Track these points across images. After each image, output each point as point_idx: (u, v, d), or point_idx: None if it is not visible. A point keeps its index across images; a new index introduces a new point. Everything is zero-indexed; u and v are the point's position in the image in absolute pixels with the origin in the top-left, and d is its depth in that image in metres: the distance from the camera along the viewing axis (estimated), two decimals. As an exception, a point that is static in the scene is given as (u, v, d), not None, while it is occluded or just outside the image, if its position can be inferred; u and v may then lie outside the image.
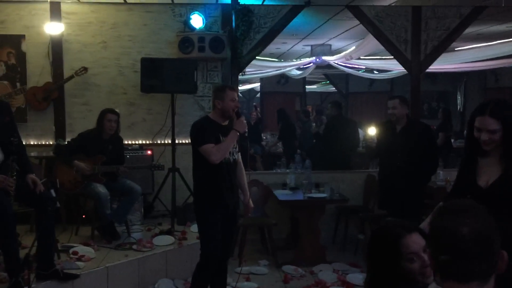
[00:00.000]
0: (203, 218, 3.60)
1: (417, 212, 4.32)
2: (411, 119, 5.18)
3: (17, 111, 5.59)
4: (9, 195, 3.41)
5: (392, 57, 6.58)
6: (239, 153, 3.79)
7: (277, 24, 5.97)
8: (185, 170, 5.32)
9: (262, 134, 10.59)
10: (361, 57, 9.51)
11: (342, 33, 8.43)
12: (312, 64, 10.37)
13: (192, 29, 5.73)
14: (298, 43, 9.58)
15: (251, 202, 3.87)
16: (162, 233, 4.95)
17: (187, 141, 5.27)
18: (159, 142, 5.89)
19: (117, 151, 4.96)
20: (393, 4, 6.14)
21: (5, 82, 5.70)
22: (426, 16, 6.06)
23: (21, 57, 5.75)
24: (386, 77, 11.72)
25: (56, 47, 5.80)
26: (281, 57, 11.55)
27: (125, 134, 5.40)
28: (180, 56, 5.70)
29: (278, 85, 14.02)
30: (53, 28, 5.57)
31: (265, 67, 10.62)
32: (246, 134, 3.70)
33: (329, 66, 10.65)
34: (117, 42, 5.91)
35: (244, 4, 5.81)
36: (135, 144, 5.90)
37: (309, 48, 10.09)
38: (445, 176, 5.59)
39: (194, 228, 4.84)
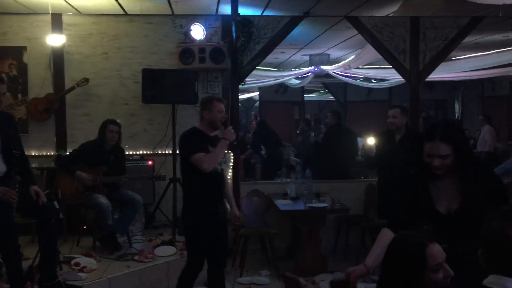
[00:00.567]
0: (194, 227, 3.61)
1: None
2: (410, 129, 5.23)
3: (19, 122, 5.55)
4: (12, 207, 3.42)
5: (391, 66, 6.64)
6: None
7: (276, 34, 6.01)
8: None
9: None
10: (359, 67, 9.58)
11: (340, 42, 8.51)
12: (310, 73, 10.45)
13: (193, 40, 5.77)
14: (296, 52, 9.65)
15: (237, 211, 3.92)
16: (163, 243, 4.95)
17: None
18: (160, 152, 5.91)
19: (118, 162, 4.98)
20: (391, 15, 6.20)
21: (7, 93, 5.68)
22: (424, 26, 6.11)
23: (23, 68, 5.79)
24: (384, 86, 11.79)
25: (58, 59, 5.84)
26: (279, 66, 11.62)
27: (126, 145, 5.42)
28: (180, 67, 5.74)
29: (276, 94, 14.08)
30: (55, 40, 5.61)
31: (264, 77, 10.68)
32: (235, 143, 3.74)
33: (327, 75, 10.73)
34: (118, 53, 5.96)
35: (244, 15, 5.86)
36: (136, 154, 5.91)
37: (307, 57, 10.17)
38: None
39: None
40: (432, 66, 6.19)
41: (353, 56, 9.07)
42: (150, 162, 5.74)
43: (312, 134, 8.81)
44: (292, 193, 5.66)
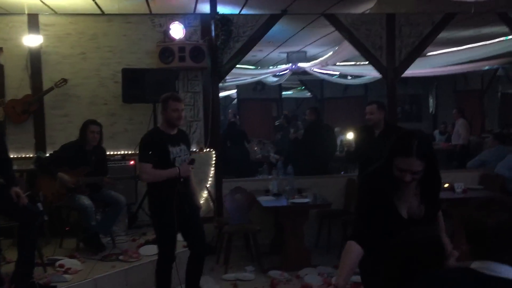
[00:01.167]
0: (159, 222, 3.81)
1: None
2: (389, 124, 5.33)
3: (-4, 124, 5.52)
4: None
5: (367, 62, 6.75)
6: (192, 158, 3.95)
7: (256, 32, 6.07)
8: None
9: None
10: (336, 63, 9.70)
11: (317, 40, 8.60)
12: (288, 70, 10.52)
13: (172, 39, 5.77)
14: (274, 50, 9.71)
15: (200, 203, 4.19)
16: (147, 243, 4.95)
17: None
18: (141, 152, 5.88)
19: (100, 162, 4.96)
20: (367, 12, 6.31)
21: (-17, 95, 5.63)
22: (400, 23, 6.25)
23: (-1, 69, 5.70)
24: (360, 83, 11.95)
25: (35, 59, 5.76)
26: (257, 64, 11.66)
27: (107, 145, 5.36)
28: (160, 66, 5.73)
29: (254, 91, 14.12)
30: (32, 40, 5.54)
31: (243, 75, 10.70)
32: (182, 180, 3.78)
33: (304, 72, 10.82)
34: (97, 53, 5.91)
35: (223, 13, 5.89)
36: (117, 154, 5.88)
37: (284, 55, 10.23)
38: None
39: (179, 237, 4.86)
40: (407, 62, 6.34)
41: (330, 53, 9.17)
42: (131, 162, 5.72)
43: (292, 130, 8.89)
44: (274, 190, 5.72)
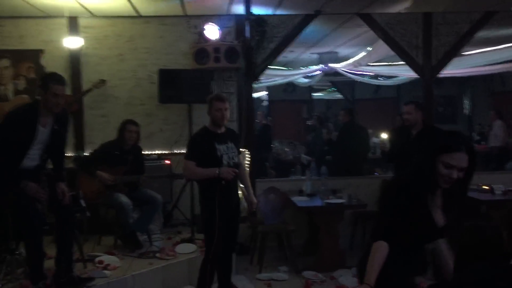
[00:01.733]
0: (203, 218, 3.89)
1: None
2: (427, 124, 5.25)
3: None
4: (40, 203, 3.50)
5: (400, 63, 6.66)
6: (239, 156, 4.07)
7: (289, 33, 6.07)
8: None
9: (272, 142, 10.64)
10: (368, 64, 9.59)
11: (349, 40, 8.52)
12: (319, 71, 10.46)
13: (207, 40, 5.82)
14: (305, 51, 9.67)
15: (254, 198, 4.15)
16: (183, 241, 5.02)
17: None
18: (176, 151, 5.97)
19: (137, 161, 5.04)
20: (403, 11, 6.23)
21: (25, 96, 5.79)
22: (437, 22, 6.15)
23: (41, 71, 5.84)
24: (392, 83, 11.78)
25: (75, 61, 5.91)
26: (288, 65, 11.63)
27: (143, 145, 5.45)
28: (195, 66, 5.79)
29: (285, 93, 14.09)
30: (72, 42, 5.67)
31: (274, 76, 10.69)
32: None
33: (335, 73, 10.73)
34: (134, 55, 6.03)
35: (257, 14, 5.91)
36: (153, 154, 5.97)
37: (315, 55, 10.17)
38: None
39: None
40: (444, 61, 6.23)
41: (363, 53, 9.08)
42: (167, 161, 5.80)
43: (324, 131, 8.84)
44: (308, 190, 5.71)
